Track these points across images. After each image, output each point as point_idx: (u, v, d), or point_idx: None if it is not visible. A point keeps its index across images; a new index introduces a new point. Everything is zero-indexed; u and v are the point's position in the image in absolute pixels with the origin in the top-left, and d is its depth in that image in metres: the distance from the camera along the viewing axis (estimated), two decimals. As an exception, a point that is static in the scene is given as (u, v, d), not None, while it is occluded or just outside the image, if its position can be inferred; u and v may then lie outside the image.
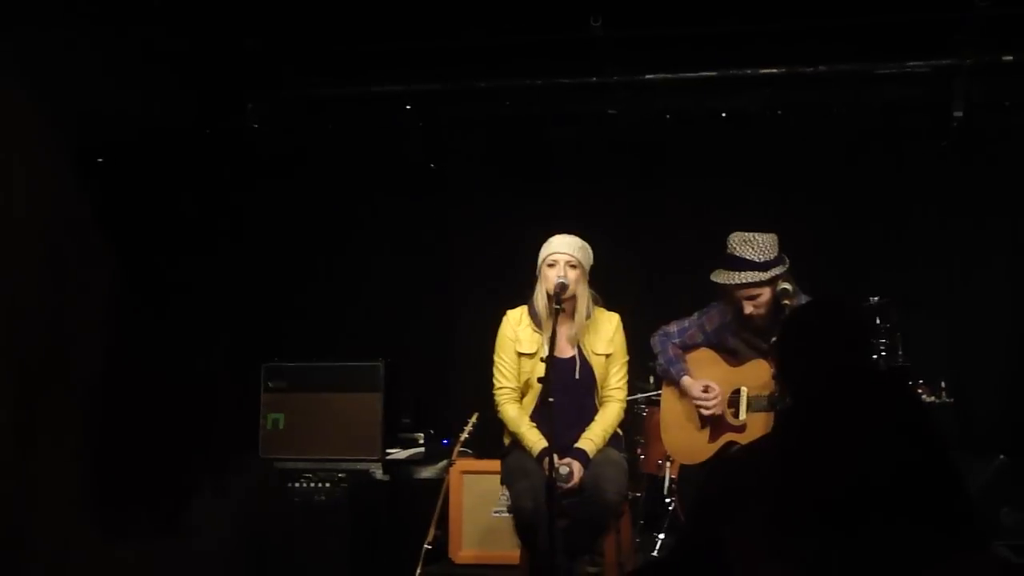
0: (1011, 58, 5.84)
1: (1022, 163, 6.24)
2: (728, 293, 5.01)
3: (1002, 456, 5.68)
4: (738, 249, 4.92)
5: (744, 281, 4.88)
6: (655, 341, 5.32)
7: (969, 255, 6.36)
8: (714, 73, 6.16)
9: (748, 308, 4.92)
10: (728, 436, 5.07)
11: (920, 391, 4.94)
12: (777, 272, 4.90)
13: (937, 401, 4.96)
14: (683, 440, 5.22)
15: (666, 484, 5.66)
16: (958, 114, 5.95)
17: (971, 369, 5.89)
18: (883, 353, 5.45)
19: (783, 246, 4.97)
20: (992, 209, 6.34)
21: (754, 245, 4.91)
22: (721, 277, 4.95)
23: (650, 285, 6.66)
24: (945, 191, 6.39)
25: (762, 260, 4.89)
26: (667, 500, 5.66)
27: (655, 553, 5.62)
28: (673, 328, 5.30)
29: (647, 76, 6.22)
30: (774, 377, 4.82)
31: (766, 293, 4.90)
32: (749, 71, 6.14)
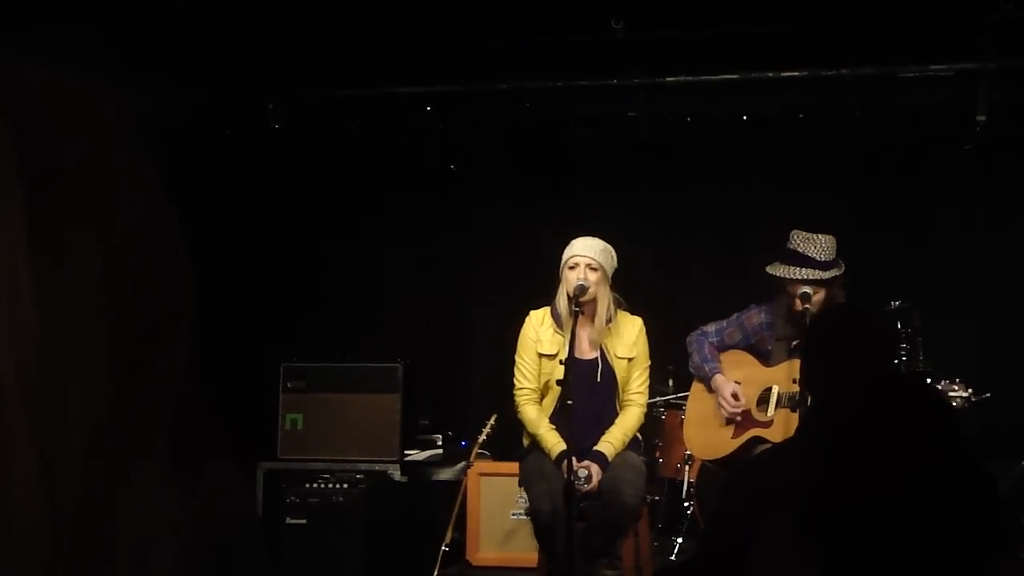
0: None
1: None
2: (781, 288, 4.99)
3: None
4: (801, 245, 4.92)
5: (804, 277, 4.87)
6: (691, 339, 5.30)
7: (992, 259, 6.32)
8: (735, 76, 6.15)
9: (798, 305, 4.89)
10: (754, 431, 5.04)
11: (949, 391, 4.91)
12: (836, 273, 4.91)
13: (968, 399, 4.92)
14: (706, 435, 5.20)
15: (685, 488, 5.65)
16: (981, 118, 5.91)
17: (994, 373, 5.84)
18: (904, 358, 5.43)
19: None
20: (1015, 213, 6.30)
21: (816, 244, 4.92)
22: (779, 270, 4.93)
23: (671, 288, 6.64)
24: (968, 195, 6.36)
25: (822, 259, 4.90)
26: (686, 504, 5.65)
27: (673, 557, 5.61)
28: (711, 328, 5.29)
29: (668, 79, 6.21)
30: (795, 381, 4.81)
31: (821, 293, 4.89)
32: (770, 74, 6.12)
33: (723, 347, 5.25)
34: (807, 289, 4.87)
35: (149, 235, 0.69)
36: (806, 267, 4.88)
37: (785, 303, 5.02)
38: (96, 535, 0.64)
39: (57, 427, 0.61)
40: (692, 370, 5.33)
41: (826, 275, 4.89)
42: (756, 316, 5.20)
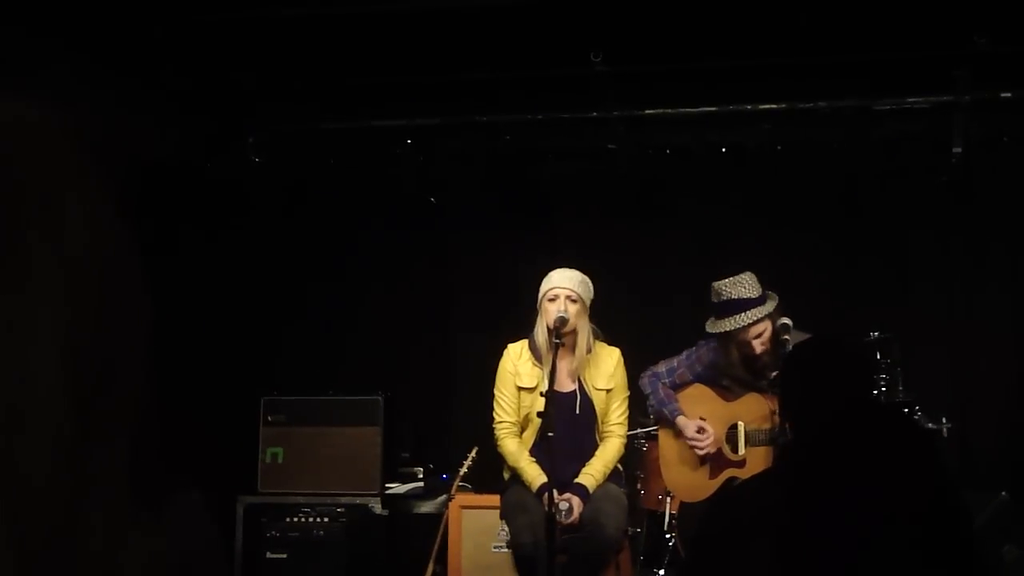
0: (1009, 95, 5.87)
1: (1020, 198, 6.25)
2: (730, 340, 4.98)
3: (1004, 493, 5.66)
4: (733, 292, 4.93)
5: (752, 320, 4.87)
6: (644, 383, 5.30)
7: (970, 290, 6.36)
8: (714, 108, 6.19)
9: (758, 348, 4.90)
10: (729, 472, 5.06)
11: (927, 421, 4.93)
12: (774, 303, 4.92)
13: (946, 430, 4.93)
14: (684, 478, 5.21)
15: (666, 520, 5.63)
16: (957, 150, 5.96)
17: (973, 405, 5.87)
18: (884, 388, 5.44)
19: (767, 283, 4.99)
20: (992, 246, 6.34)
21: (744, 284, 4.93)
22: (725, 325, 4.92)
23: (650, 319, 6.65)
24: (944, 227, 6.40)
25: (757, 295, 4.91)
26: (667, 536, 5.63)
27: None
28: (662, 368, 5.28)
29: (647, 111, 6.24)
30: (774, 413, 4.82)
31: (768, 329, 4.90)
32: (749, 107, 6.16)
33: (675, 387, 5.26)
34: (757, 329, 4.87)
35: (108, 271, 0.70)
36: (748, 309, 4.89)
37: (739, 353, 5.00)
38: (57, 569, 0.64)
39: (15, 461, 0.61)
40: (651, 414, 5.35)
41: (768, 308, 4.90)
42: (707, 355, 5.21)
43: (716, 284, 4.97)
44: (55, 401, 0.67)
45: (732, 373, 5.10)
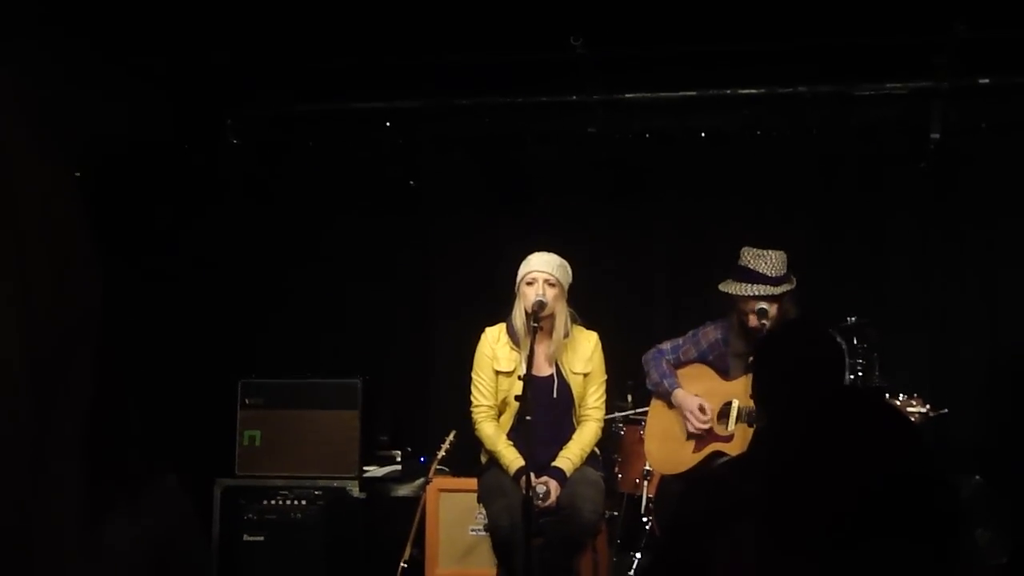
0: (987, 81, 5.89)
1: (998, 184, 6.28)
2: (733, 305, 5.04)
3: (977, 477, 5.70)
4: (752, 262, 4.98)
5: (756, 293, 4.92)
6: (648, 357, 5.33)
7: (947, 275, 6.39)
8: (694, 93, 6.19)
9: (753, 321, 4.94)
10: (715, 446, 5.07)
11: (907, 406, 4.94)
12: (787, 288, 4.96)
13: (926, 415, 4.94)
14: (667, 450, 5.23)
15: (643, 503, 5.65)
16: (935, 136, 5.98)
17: (948, 391, 5.90)
18: (860, 373, 5.47)
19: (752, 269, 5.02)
20: (970, 229, 6.37)
21: (767, 260, 4.97)
22: (731, 288, 4.99)
23: (628, 304, 6.66)
24: (922, 212, 6.42)
25: (774, 275, 4.95)
26: (644, 519, 5.65)
27: (631, 573, 5.60)
28: (666, 345, 5.33)
29: (627, 95, 6.24)
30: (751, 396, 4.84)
31: (773, 309, 4.93)
32: (728, 91, 6.17)
33: (679, 364, 5.29)
34: (762, 305, 4.91)
35: (65, 252, 0.69)
36: (758, 283, 4.94)
37: (738, 320, 5.07)
38: (18, 553, 0.64)
39: None
40: (651, 388, 5.36)
41: (777, 290, 4.94)
42: (712, 332, 5.24)
43: (744, 249, 5.06)
44: (9, 378, 0.66)
45: (735, 348, 5.12)
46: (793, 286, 5.00)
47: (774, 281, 4.94)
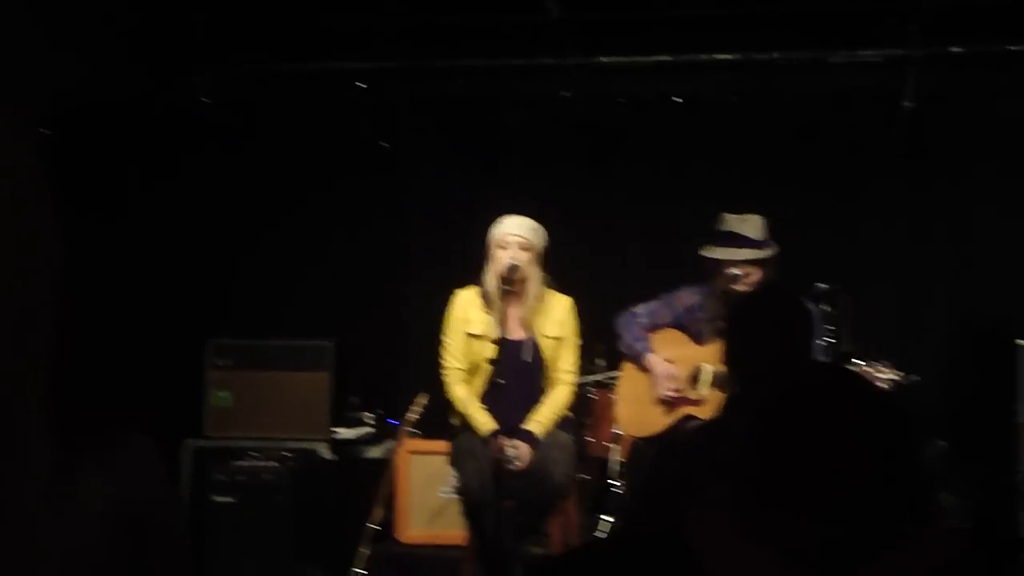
0: (960, 50, 5.90)
1: (969, 154, 6.31)
2: (715, 270, 5.01)
3: (941, 442, 5.77)
4: (737, 227, 4.97)
5: (743, 258, 4.92)
6: (621, 320, 5.32)
7: (917, 244, 6.42)
8: (669, 58, 6.17)
9: (737, 285, 4.92)
10: (686, 410, 5.09)
11: (878, 373, 4.96)
12: (772, 252, 4.97)
13: (897, 382, 4.97)
14: (637, 413, 5.23)
15: (614, 467, 5.68)
16: (908, 104, 6.00)
17: (916, 355, 5.95)
18: (830, 340, 5.49)
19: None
20: (942, 197, 6.41)
21: (752, 224, 4.97)
22: (716, 252, 4.96)
23: (601, 268, 6.66)
24: (895, 180, 6.45)
25: (758, 239, 4.95)
26: (614, 483, 5.68)
27: (601, 535, 5.64)
28: (640, 309, 5.31)
29: (602, 59, 6.22)
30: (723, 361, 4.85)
31: (758, 274, 4.93)
32: (704, 56, 6.16)
33: (653, 327, 5.28)
34: (747, 269, 4.91)
35: (26, 212, 0.67)
36: (744, 247, 4.93)
37: (719, 285, 5.04)
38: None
39: None
40: (623, 350, 5.35)
41: (763, 254, 4.95)
42: (687, 297, 5.24)
43: (725, 214, 5.04)
44: None
45: (712, 313, 5.11)
46: (776, 250, 5.00)
47: (759, 244, 4.95)
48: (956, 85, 6.12)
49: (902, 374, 4.91)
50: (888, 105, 6.09)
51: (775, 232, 5.16)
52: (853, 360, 5.02)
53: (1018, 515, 5.32)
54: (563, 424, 5.00)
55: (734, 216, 5.03)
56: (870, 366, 4.97)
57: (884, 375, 4.91)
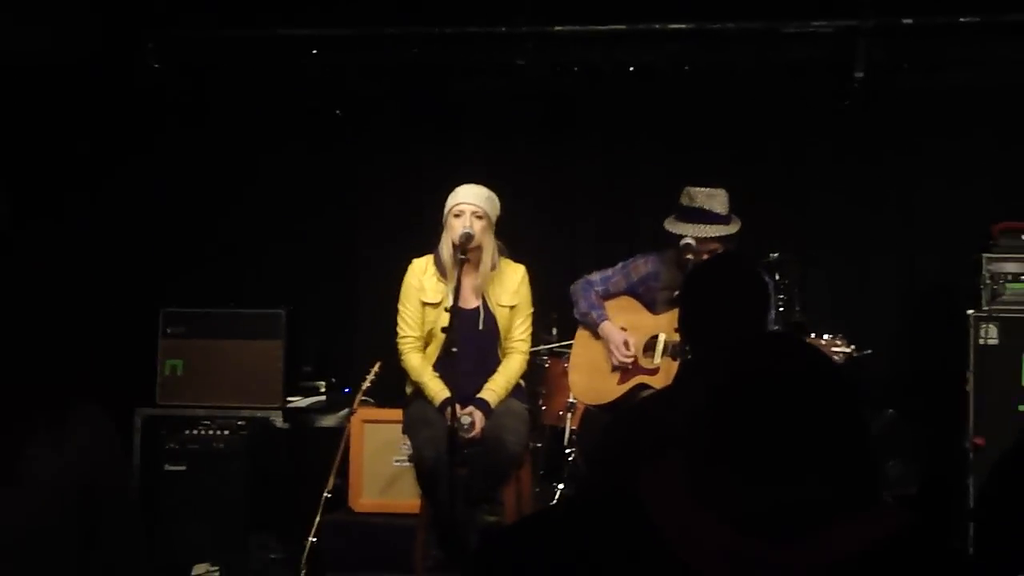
0: (911, 21, 5.95)
1: (920, 125, 6.38)
2: (675, 242, 4.96)
3: (891, 410, 5.86)
4: (705, 202, 4.92)
5: (711, 235, 4.88)
6: (576, 287, 5.32)
7: (867, 216, 6.49)
8: (623, 27, 6.17)
9: (694, 257, 4.88)
10: (640, 378, 5.11)
11: (832, 346, 4.99)
12: (737, 227, 4.94)
13: (850, 355, 5.01)
14: (592, 381, 5.25)
15: (567, 435, 5.72)
16: (859, 75, 6.04)
17: (862, 326, 6.02)
18: (781, 309, 5.54)
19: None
20: (893, 169, 6.48)
21: (719, 199, 4.94)
22: (688, 230, 4.90)
23: (555, 237, 6.68)
24: (846, 151, 6.51)
25: (726, 214, 4.94)
26: (567, 451, 5.72)
27: (554, 502, 5.68)
28: (596, 276, 5.31)
29: (556, 28, 6.20)
30: (676, 329, 4.87)
31: (719, 247, 4.91)
32: (657, 26, 6.15)
33: (608, 295, 5.30)
34: (713, 244, 4.89)
35: None
36: (712, 224, 4.91)
37: (678, 257, 5.00)
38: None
39: None
40: (578, 317, 5.37)
41: (730, 230, 4.93)
42: (643, 266, 5.24)
43: (691, 188, 4.99)
44: None
45: (669, 282, 5.11)
46: (740, 225, 4.99)
47: (725, 219, 4.94)
48: (907, 56, 6.17)
49: (853, 347, 4.96)
50: (840, 76, 6.13)
51: (735, 203, 5.17)
52: (807, 333, 5.05)
53: (966, 481, 5.41)
54: (516, 392, 5.02)
55: (702, 191, 4.96)
56: (823, 339, 5.01)
57: (837, 349, 4.96)
